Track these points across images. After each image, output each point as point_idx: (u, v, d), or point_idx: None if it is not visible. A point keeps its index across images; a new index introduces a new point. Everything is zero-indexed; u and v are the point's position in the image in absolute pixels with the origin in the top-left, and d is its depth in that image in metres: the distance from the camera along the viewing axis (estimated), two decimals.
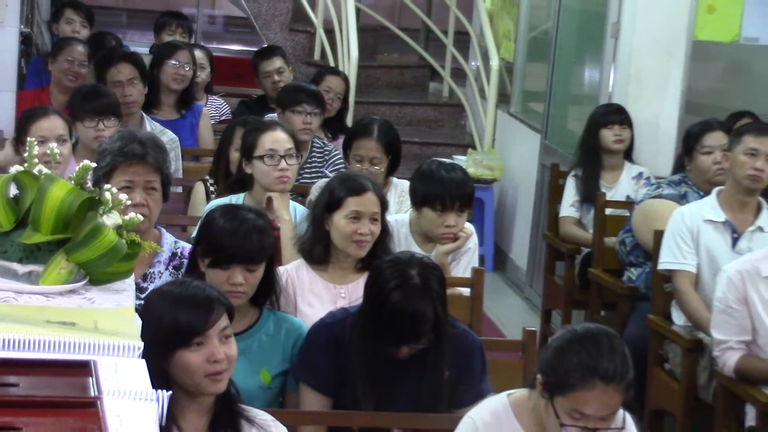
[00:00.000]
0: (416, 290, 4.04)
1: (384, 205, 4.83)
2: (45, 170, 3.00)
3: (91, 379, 2.05)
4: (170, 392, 2.26)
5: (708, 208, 6.02)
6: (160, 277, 4.62)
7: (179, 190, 6.47)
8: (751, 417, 5.24)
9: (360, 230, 4.68)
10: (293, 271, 4.79)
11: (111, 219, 2.98)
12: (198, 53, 8.15)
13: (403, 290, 4.04)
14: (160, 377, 3.11)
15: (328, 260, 4.79)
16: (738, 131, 6.12)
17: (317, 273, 4.78)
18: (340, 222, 4.70)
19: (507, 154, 9.56)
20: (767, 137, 5.93)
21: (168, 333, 3.45)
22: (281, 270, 4.74)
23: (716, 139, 6.53)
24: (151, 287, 4.46)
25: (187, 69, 7.64)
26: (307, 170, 6.77)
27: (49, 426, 1.81)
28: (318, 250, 4.77)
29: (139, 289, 4.45)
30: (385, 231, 4.81)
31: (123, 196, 3.07)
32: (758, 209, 6.02)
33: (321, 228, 4.77)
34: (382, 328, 4.05)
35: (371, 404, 4.06)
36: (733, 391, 5.33)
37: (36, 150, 3.08)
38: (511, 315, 8.20)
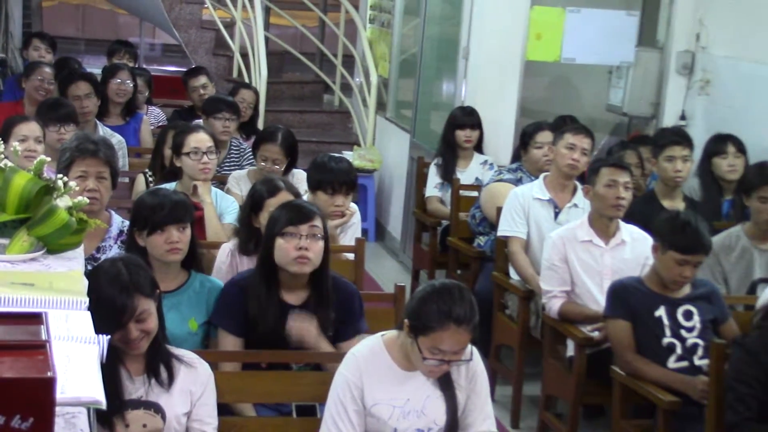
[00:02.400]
0: None
1: (298, 198, 4.73)
2: (9, 164, 2.95)
3: (42, 327, 2.01)
4: (109, 336, 2.23)
5: (536, 189, 6.07)
6: (110, 250, 4.58)
7: (125, 180, 6.39)
8: (570, 349, 5.29)
9: None
10: (236, 252, 4.68)
11: (63, 201, 2.95)
12: (139, 82, 8.02)
13: None
14: None
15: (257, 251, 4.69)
16: (561, 130, 6.18)
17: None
18: (265, 220, 4.53)
19: (384, 149, 9.56)
20: (582, 135, 6.00)
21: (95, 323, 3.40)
22: (225, 246, 4.71)
23: (545, 136, 6.58)
24: (103, 257, 4.40)
25: (128, 84, 7.55)
26: (226, 164, 6.73)
27: (7, 363, 1.79)
28: (251, 245, 4.63)
29: (94, 259, 4.41)
30: None
31: (72, 183, 3.03)
32: (574, 190, 6.08)
33: (250, 226, 4.67)
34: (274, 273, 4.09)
35: (270, 323, 4.05)
36: (557, 329, 5.37)
37: (1, 147, 3.02)
38: (389, 274, 8.20)
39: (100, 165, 4.59)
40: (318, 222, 4.12)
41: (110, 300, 3.40)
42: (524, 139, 6.78)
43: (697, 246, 4.62)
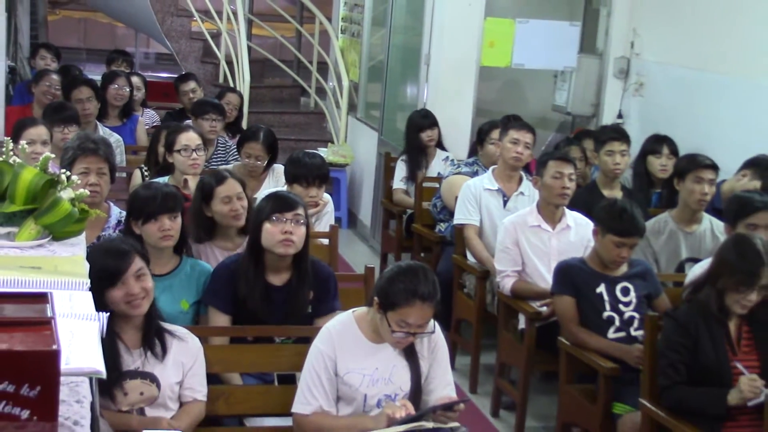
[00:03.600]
0: None
1: (243, 185, 4.66)
2: (18, 160, 2.93)
3: (48, 305, 2.01)
4: (108, 313, 2.22)
5: (486, 180, 6.09)
6: None
7: (123, 175, 6.36)
8: (522, 322, 5.31)
9: (233, 207, 4.52)
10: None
11: (66, 193, 2.92)
12: (136, 79, 8.00)
13: None
14: (103, 306, 3.07)
15: (214, 237, 4.61)
16: (506, 126, 6.20)
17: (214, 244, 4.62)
18: (217, 207, 4.54)
19: (355, 146, 9.55)
20: (525, 131, 6.02)
21: (99, 276, 3.38)
22: None
23: (499, 134, 6.58)
24: None
25: (125, 89, 7.52)
26: (213, 160, 6.70)
27: (17, 338, 1.78)
28: (202, 233, 4.57)
29: None
30: (250, 203, 4.64)
31: (74, 177, 3.01)
32: (520, 180, 6.11)
33: (202, 216, 4.56)
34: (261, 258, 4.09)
35: (258, 297, 4.06)
36: (509, 305, 5.40)
37: (10, 146, 3.00)
38: (360, 257, 8.18)
39: (100, 162, 4.58)
40: (301, 210, 4.12)
41: (112, 251, 3.48)
42: (480, 136, 6.80)
43: (633, 230, 4.65)
